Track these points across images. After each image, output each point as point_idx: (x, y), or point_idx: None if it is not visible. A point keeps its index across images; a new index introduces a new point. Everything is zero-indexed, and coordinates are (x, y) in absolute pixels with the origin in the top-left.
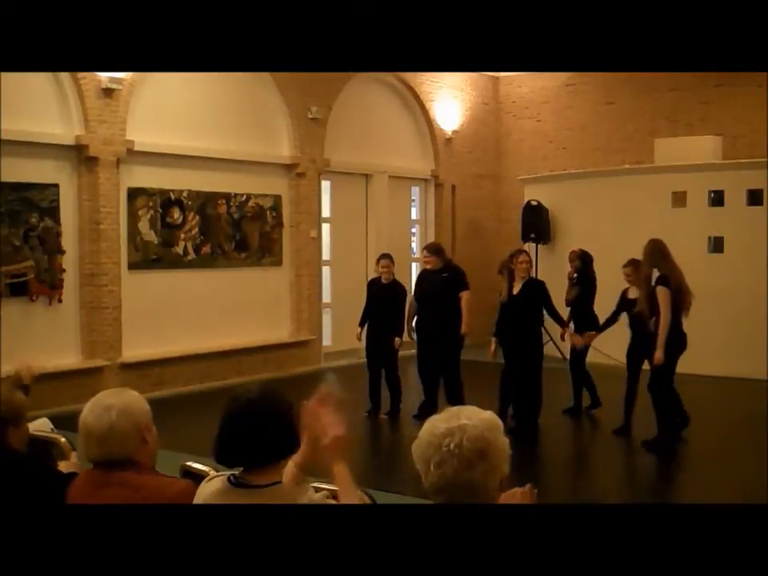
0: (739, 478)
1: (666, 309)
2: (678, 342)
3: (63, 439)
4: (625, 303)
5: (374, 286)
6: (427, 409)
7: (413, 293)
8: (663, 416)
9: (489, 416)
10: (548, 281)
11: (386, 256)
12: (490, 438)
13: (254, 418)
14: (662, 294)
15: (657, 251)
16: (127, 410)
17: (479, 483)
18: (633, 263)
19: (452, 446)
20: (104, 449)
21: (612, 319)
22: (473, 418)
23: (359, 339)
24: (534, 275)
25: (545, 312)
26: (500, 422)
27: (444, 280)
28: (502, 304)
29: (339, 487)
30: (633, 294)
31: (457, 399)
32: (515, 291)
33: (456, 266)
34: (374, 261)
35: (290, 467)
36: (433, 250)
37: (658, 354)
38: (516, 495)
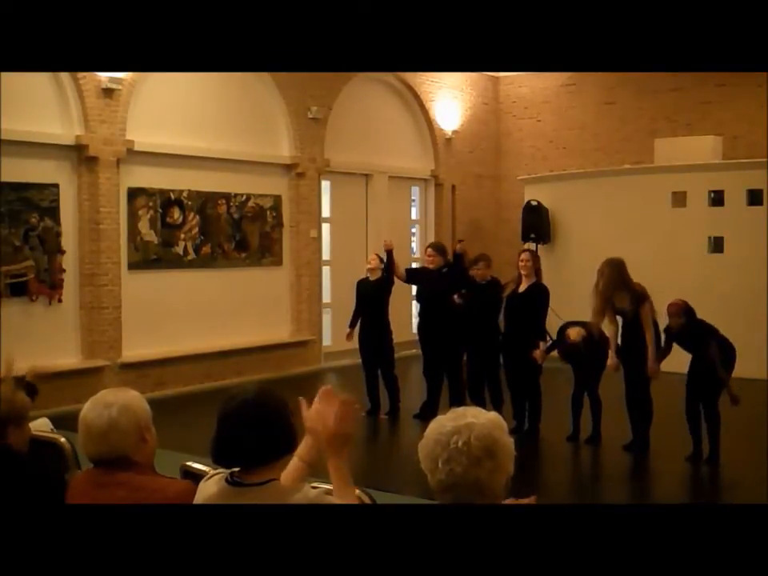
0: (739, 478)
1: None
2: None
3: (63, 439)
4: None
5: (361, 284)
6: (428, 409)
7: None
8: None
9: (494, 416)
10: (548, 281)
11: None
12: (496, 436)
13: (249, 417)
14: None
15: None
16: (128, 407)
17: (486, 481)
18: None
19: (460, 443)
20: (103, 446)
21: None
22: (479, 417)
23: (349, 340)
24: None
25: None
26: (504, 423)
27: (444, 276)
28: (506, 299)
29: (333, 483)
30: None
31: (459, 399)
32: (521, 290)
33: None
34: None
35: (294, 462)
36: (437, 248)
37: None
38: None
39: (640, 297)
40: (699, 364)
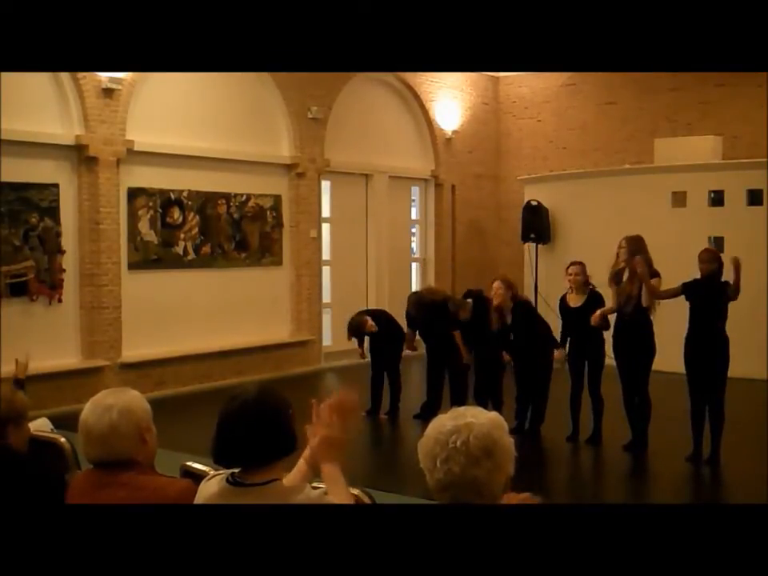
0: (739, 478)
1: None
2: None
3: (63, 439)
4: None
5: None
6: (429, 409)
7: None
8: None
9: (494, 416)
10: (547, 281)
11: (353, 330)
12: (496, 436)
13: (250, 417)
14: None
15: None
16: (128, 409)
17: (484, 481)
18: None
19: (459, 442)
20: (104, 448)
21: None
22: (479, 417)
23: (364, 357)
24: (534, 275)
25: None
26: (505, 423)
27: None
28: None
29: (327, 487)
30: (573, 301)
31: (461, 400)
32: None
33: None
34: (374, 261)
35: (300, 465)
36: (413, 310)
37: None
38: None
39: (654, 272)
40: (700, 326)
